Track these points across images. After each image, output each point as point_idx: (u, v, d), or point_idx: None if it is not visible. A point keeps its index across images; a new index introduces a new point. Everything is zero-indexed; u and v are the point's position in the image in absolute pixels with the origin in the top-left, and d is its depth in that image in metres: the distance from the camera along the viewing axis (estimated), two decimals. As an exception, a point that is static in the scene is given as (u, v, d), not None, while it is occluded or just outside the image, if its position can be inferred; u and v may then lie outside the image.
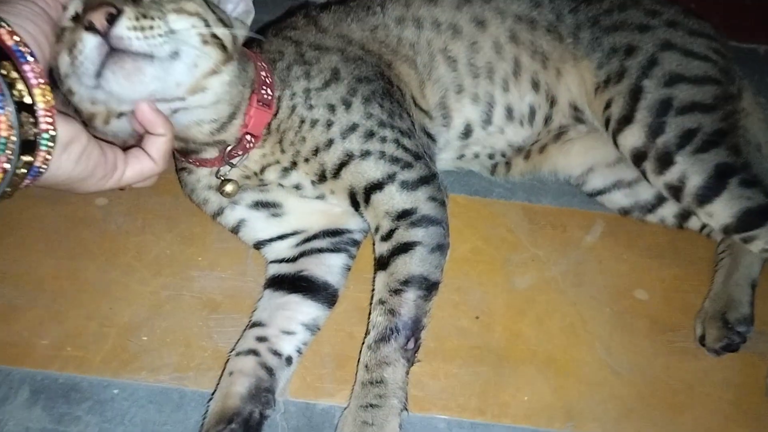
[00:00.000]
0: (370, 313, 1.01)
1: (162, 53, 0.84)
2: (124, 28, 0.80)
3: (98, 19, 0.80)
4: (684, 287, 1.22)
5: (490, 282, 1.19)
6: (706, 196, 1.11)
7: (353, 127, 1.05)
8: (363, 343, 1.00)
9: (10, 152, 0.70)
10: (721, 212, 1.10)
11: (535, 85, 1.25)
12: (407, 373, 0.98)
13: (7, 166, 0.70)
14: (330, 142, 1.04)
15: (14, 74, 0.70)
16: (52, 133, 0.73)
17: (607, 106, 1.20)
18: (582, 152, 1.31)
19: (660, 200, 1.28)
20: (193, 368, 1.03)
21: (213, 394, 0.98)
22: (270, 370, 1.00)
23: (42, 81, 0.72)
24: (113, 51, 0.81)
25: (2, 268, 1.13)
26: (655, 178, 1.15)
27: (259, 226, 1.13)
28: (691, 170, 1.11)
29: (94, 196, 1.23)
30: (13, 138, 0.70)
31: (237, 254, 1.18)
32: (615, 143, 1.19)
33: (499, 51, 1.23)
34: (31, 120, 0.71)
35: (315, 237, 1.13)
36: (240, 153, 1.04)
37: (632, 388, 1.05)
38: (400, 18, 1.21)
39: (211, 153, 1.03)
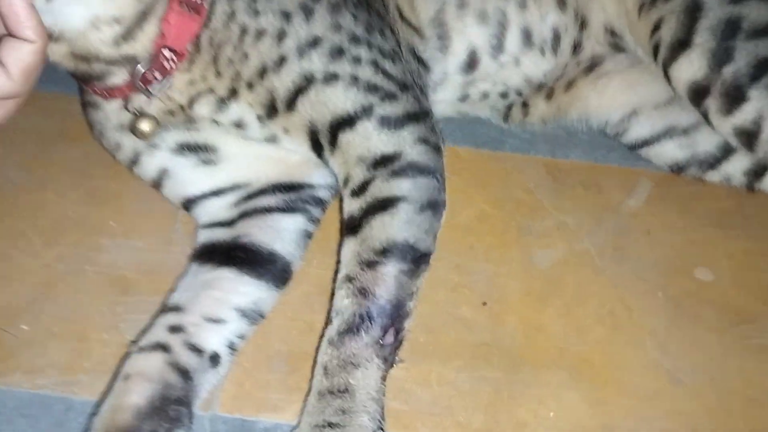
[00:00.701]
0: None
1: None
2: None
3: None
4: (760, 264, 0.93)
5: (501, 258, 0.91)
6: None
7: (315, 42, 0.78)
8: (322, 337, 0.72)
9: None
10: None
11: (561, 2, 0.98)
12: (384, 378, 0.71)
13: None
14: (282, 61, 0.78)
15: None
16: None
17: (656, 28, 0.93)
18: (622, 90, 1.02)
19: (726, 152, 1.00)
20: (88, 370, 0.75)
21: (99, 405, 0.69)
22: (185, 373, 0.71)
23: None
24: None
25: None
26: (721, 121, 0.89)
27: (187, 176, 0.85)
28: None
29: (-19, 143, 0.95)
30: None
31: (162, 218, 0.90)
32: (666, 76, 0.93)
33: (514, -44, 0.95)
34: None
35: (262, 192, 0.85)
36: (158, 76, 0.77)
37: (696, 399, 0.79)
38: None
39: (120, 76, 0.77)
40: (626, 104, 1.02)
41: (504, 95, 1.02)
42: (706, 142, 1.00)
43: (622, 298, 0.88)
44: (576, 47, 1.00)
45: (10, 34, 0.63)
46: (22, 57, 0.62)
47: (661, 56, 0.92)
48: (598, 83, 1.02)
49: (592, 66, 1.01)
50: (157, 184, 0.86)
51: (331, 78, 0.77)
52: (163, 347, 0.71)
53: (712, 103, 0.88)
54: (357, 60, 0.79)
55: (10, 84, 0.62)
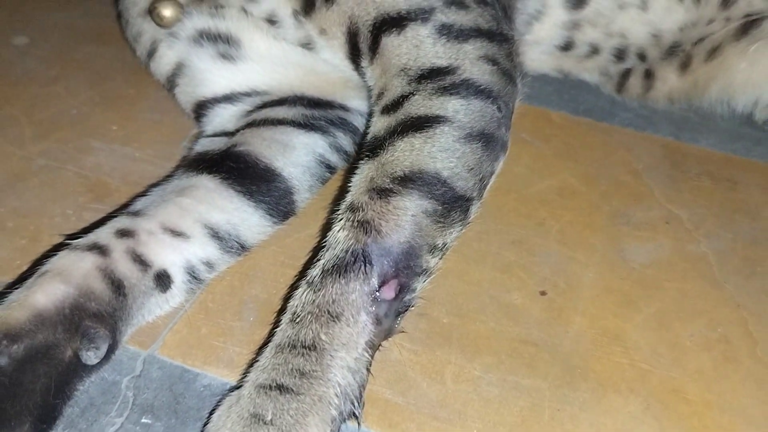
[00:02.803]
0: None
1: None
2: None
3: None
4: None
5: (579, 242, 0.68)
6: None
7: None
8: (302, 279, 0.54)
9: None
10: None
11: None
12: (372, 347, 0.51)
13: None
14: (326, -61, 0.62)
15: None
16: None
17: None
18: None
19: None
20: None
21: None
22: (118, 287, 0.54)
23: None
24: None
25: None
26: None
27: (203, 73, 0.70)
28: None
29: (12, 32, 0.87)
30: None
31: (170, 131, 0.77)
32: None
33: None
34: None
35: (280, 102, 0.69)
36: None
37: None
38: None
39: None
40: (788, 80, 0.77)
41: (620, 55, 0.80)
42: None
43: (744, 322, 0.62)
44: (726, -2, 0.77)
45: None
46: None
47: None
48: (751, 50, 0.77)
49: (746, 26, 0.77)
50: (171, 82, 0.72)
51: (384, -36, 0.61)
52: (100, 249, 0.54)
53: None
54: None
55: None
